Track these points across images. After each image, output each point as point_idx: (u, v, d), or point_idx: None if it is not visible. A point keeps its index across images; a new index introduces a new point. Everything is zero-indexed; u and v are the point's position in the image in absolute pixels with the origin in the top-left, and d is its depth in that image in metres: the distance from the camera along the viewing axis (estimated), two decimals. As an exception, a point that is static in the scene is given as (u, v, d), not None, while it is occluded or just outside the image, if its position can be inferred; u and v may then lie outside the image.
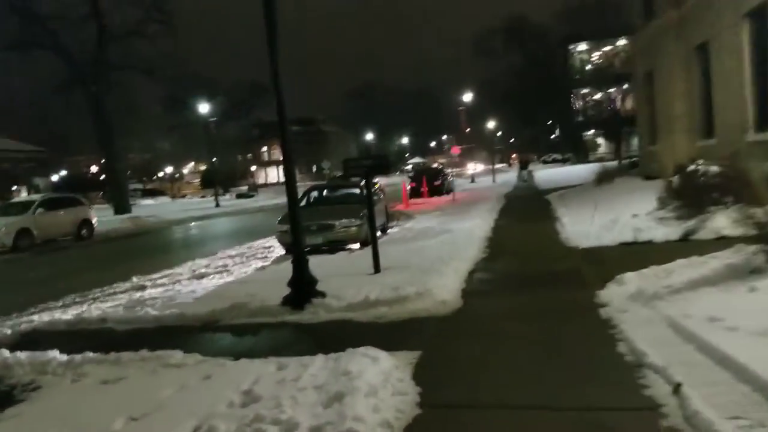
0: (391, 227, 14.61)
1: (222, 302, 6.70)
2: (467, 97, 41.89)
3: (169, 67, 32.82)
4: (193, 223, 24.59)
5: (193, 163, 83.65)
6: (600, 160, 55.47)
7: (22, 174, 66.93)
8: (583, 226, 10.45)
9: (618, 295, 5.52)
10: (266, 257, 11.42)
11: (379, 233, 13.34)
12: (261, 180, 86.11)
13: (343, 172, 9.52)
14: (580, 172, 36.30)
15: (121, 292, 8.77)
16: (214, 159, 47.63)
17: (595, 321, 5.02)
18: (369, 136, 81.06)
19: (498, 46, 60.62)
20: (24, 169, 67.15)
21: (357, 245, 11.05)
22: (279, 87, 6.52)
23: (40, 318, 7.22)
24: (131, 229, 22.74)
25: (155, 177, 79.91)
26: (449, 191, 30.18)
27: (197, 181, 79.72)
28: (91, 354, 4.95)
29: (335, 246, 10.77)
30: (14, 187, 66.04)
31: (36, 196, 17.90)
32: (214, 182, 74.36)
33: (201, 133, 71.15)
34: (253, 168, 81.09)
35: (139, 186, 76.19)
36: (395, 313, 5.79)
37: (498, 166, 77.29)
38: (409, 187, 27.81)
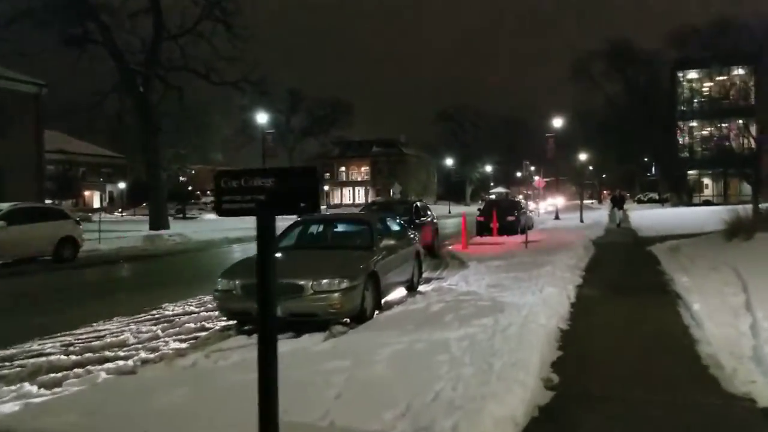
0: (423, 282, 10.39)
1: None
2: (557, 122, 36.74)
3: (231, 73, 30.58)
4: (220, 249, 21.34)
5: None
6: (706, 203, 48.30)
7: (100, 180, 68.83)
8: (733, 326, 5.80)
9: None
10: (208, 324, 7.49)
11: (397, 295, 9.23)
12: (336, 200, 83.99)
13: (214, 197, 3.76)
14: (687, 215, 30.28)
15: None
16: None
17: None
18: (449, 162, 76.72)
19: (598, 72, 54.73)
20: (102, 174, 68.94)
21: (347, 319, 6.92)
22: None
23: None
24: (139, 251, 19.73)
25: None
26: (527, 229, 25.33)
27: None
28: None
29: (310, 321, 6.68)
30: (87, 192, 67.75)
31: (4, 205, 14.91)
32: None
33: (281, 149, 71.08)
34: (327, 188, 78.89)
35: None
36: None
37: (587, 202, 70.82)
38: (476, 222, 23.40)
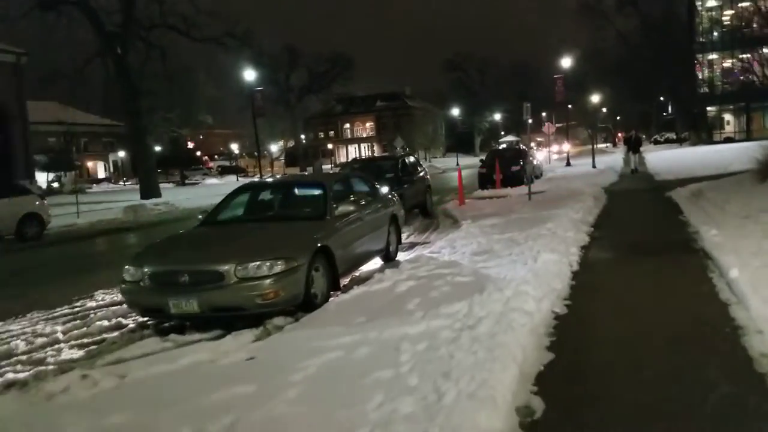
0: (407, 248, 9.00)
1: None
2: (566, 62, 34.38)
3: (214, 29, 28.62)
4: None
5: (282, 141, 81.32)
6: (728, 140, 45.74)
7: (103, 150, 67.58)
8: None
9: None
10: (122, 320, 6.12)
11: (371, 266, 7.80)
12: (342, 158, 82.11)
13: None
14: (708, 155, 28.09)
15: None
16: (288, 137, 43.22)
17: None
18: (456, 112, 74.08)
19: (608, 5, 51.23)
20: (104, 144, 67.63)
21: (291, 311, 5.50)
22: None
23: None
24: (117, 223, 18.43)
25: (240, 154, 78.37)
26: (534, 178, 23.62)
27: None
28: None
29: (237, 317, 5.28)
30: (90, 163, 66.66)
31: (-41, 182, 13.64)
32: (297, 160, 71.97)
33: (283, 110, 68.80)
34: (330, 146, 77.03)
35: (226, 163, 74.95)
36: None
37: (601, 146, 68.24)
38: (478, 174, 21.74)
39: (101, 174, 68.59)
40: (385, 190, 9.64)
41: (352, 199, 7.13)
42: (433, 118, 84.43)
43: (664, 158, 29.36)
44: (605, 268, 6.66)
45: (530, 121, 29.97)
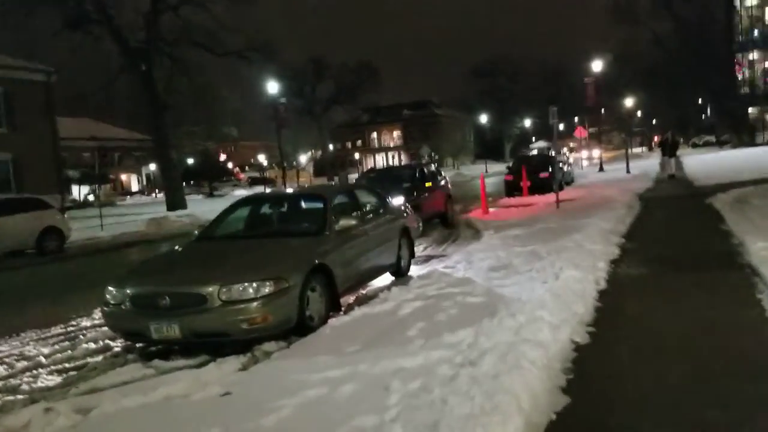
0: (421, 261, 8.49)
1: None
2: (597, 66, 33.40)
3: (236, 43, 28.69)
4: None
5: (311, 152, 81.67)
6: (773, 142, 43.79)
7: (136, 163, 68.77)
8: None
9: None
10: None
11: (378, 283, 7.28)
12: (369, 167, 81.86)
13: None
14: (751, 158, 26.65)
15: None
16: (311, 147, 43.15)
17: None
18: (483, 119, 73.07)
19: (643, 10, 49.63)
20: (136, 158, 68.86)
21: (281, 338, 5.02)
22: None
23: None
24: (139, 236, 18.33)
25: (270, 165, 78.90)
26: (565, 185, 22.73)
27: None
28: None
29: (220, 343, 4.82)
30: (124, 176, 67.93)
31: (-25, 197, 13.70)
32: (324, 170, 72.12)
33: (309, 121, 69.06)
34: (356, 155, 76.88)
35: (256, 174, 75.61)
36: None
37: (637, 150, 66.31)
38: (504, 182, 21.03)
39: (135, 187, 69.88)
40: (397, 201, 9.14)
41: (356, 212, 6.63)
42: (461, 126, 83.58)
43: (703, 162, 28.07)
44: (637, 287, 5.96)
45: (561, 126, 29.02)
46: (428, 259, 9.22)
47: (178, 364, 4.74)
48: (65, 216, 15.42)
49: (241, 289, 4.66)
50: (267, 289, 4.70)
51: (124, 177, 70.69)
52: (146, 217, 23.00)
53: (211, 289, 4.66)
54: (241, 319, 4.61)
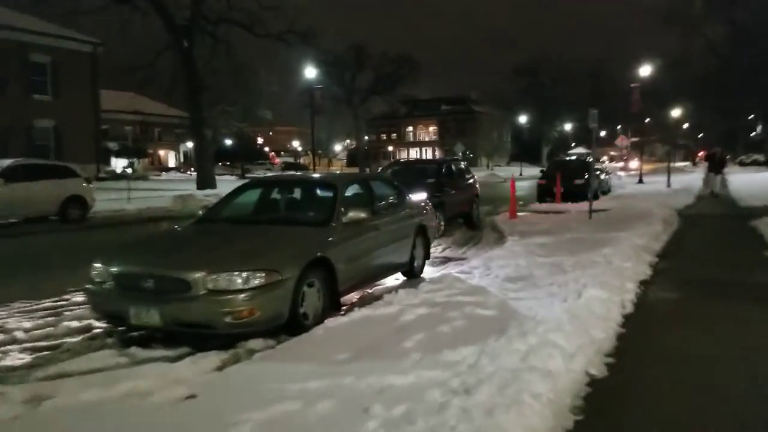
0: (439, 263, 8.06)
1: None
2: (644, 71, 32.13)
3: (278, 25, 28.51)
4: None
5: (347, 141, 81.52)
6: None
7: (174, 139, 69.70)
8: None
9: None
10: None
11: (389, 282, 6.88)
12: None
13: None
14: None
15: None
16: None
17: None
18: (522, 119, 71.55)
19: (696, 12, 47.51)
20: (176, 135, 69.78)
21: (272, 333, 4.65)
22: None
23: None
24: (164, 211, 18.32)
25: (305, 151, 79.08)
26: (601, 194, 21.87)
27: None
28: None
29: (204, 334, 4.48)
30: (162, 152, 68.93)
31: (4, 162, 13.74)
32: (357, 161, 71.91)
33: (346, 109, 68.70)
34: (390, 148, 76.37)
35: (290, 159, 75.88)
36: None
37: (680, 164, 64.12)
38: (537, 186, 20.31)
39: (171, 163, 70.98)
40: (419, 196, 8.68)
41: (369, 204, 6.21)
42: (498, 125, 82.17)
43: (750, 182, 26.70)
44: (667, 314, 5.38)
45: (603, 133, 28.07)
46: (445, 261, 8.76)
47: (155, 355, 4.41)
48: (91, 186, 15.35)
49: (228, 278, 4.30)
50: (257, 281, 4.33)
51: (162, 153, 71.87)
52: (174, 194, 23.06)
53: (197, 275, 4.30)
54: (226, 311, 4.25)
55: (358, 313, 5.10)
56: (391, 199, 7.02)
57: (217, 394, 3.40)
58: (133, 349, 4.49)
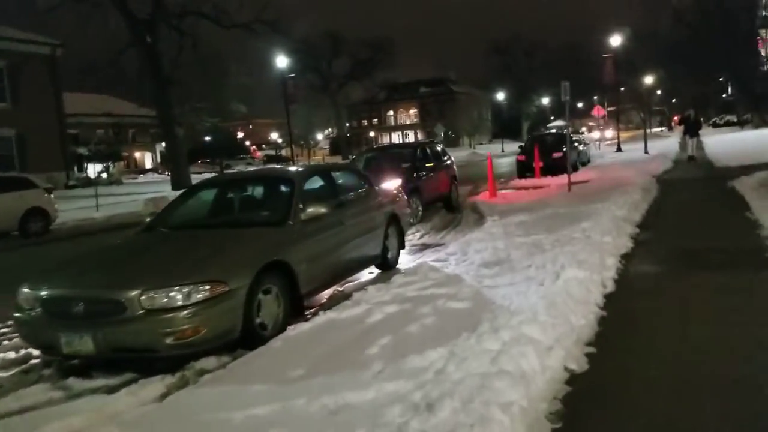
0: (416, 250, 7.74)
1: None
2: (615, 41, 31.93)
3: (243, 14, 27.75)
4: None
5: (329, 130, 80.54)
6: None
7: (149, 140, 68.24)
8: None
9: None
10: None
11: (362, 277, 6.52)
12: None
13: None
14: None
15: None
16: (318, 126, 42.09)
17: None
18: (500, 96, 71.27)
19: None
20: (151, 135, 68.34)
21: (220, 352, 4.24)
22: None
23: None
24: (134, 217, 17.62)
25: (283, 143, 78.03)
26: (581, 165, 21.68)
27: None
28: None
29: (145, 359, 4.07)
30: (137, 154, 67.60)
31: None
32: (340, 149, 71.08)
33: (325, 97, 67.69)
34: (372, 134, 75.68)
35: (271, 152, 74.76)
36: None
37: (656, 130, 64.31)
38: (516, 162, 20.04)
39: (148, 164, 69.65)
40: (391, 183, 8.31)
41: (332, 197, 5.80)
42: (478, 104, 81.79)
43: (724, 142, 26.71)
44: (650, 290, 5.07)
45: (580, 105, 27.85)
46: (423, 248, 8.42)
47: (95, 385, 3.98)
48: (52, 196, 14.69)
49: (166, 294, 3.88)
50: (200, 295, 3.92)
51: (138, 154, 70.46)
52: (147, 197, 22.40)
53: (131, 294, 3.88)
54: (167, 332, 3.83)
55: (322, 317, 4.72)
56: (357, 190, 6.62)
57: (154, 430, 3.00)
58: (71, 380, 4.06)
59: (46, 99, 31.56)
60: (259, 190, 6.06)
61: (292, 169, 6.37)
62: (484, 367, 3.10)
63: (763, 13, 45.07)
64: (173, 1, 27.26)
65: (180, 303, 3.88)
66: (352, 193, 6.45)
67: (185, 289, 3.91)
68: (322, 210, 5.33)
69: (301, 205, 5.24)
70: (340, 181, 6.46)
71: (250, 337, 4.27)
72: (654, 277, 5.51)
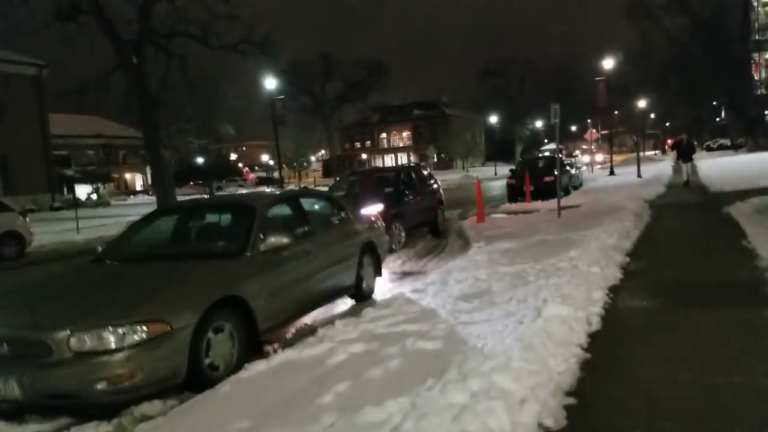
0: (397, 277, 7.37)
1: None
2: (608, 64, 32.00)
3: (234, 36, 27.56)
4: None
5: (322, 152, 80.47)
6: (792, 146, 41.88)
7: (140, 162, 67.89)
8: None
9: None
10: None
11: (334, 309, 6.12)
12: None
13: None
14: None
15: None
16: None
17: None
18: (494, 119, 71.53)
19: (656, 5, 47.78)
20: (141, 156, 67.99)
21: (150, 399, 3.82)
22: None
23: None
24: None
25: (275, 165, 77.76)
26: (573, 189, 21.46)
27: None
28: None
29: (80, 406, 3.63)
30: (128, 175, 67.14)
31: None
32: (332, 171, 70.96)
33: (317, 120, 67.65)
34: (364, 156, 75.66)
35: (263, 174, 74.48)
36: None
37: (650, 153, 64.48)
38: (506, 186, 19.77)
39: (139, 186, 69.33)
40: (370, 209, 7.95)
41: (299, 226, 5.42)
42: (471, 126, 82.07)
43: (718, 166, 26.57)
44: (641, 329, 4.66)
45: (573, 128, 27.78)
46: (403, 276, 8.03)
47: (26, 431, 3.58)
48: (27, 219, 14.26)
49: (97, 336, 3.47)
50: (136, 336, 3.51)
51: (128, 176, 70.21)
52: (129, 219, 21.95)
53: (59, 335, 3.47)
54: (98, 377, 3.42)
55: (280, 357, 4.31)
56: (330, 217, 6.24)
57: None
58: (1, 425, 3.65)
59: (31, 120, 31.33)
60: (217, 219, 5.66)
61: (255, 195, 6.01)
62: (445, 426, 2.69)
63: (756, 37, 45.58)
64: (160, 22, 27.16)
65: (113, 345, 3.47)
66: (323, 221, 6.08)
67: (120, 330, 3.50)
68: (285, 240, 4.94)
69: (261, 235, 4.85)
70: (313, 208, 6.09)
71: (198, 379, 3.86)
72: (644, 313, 5.11)
